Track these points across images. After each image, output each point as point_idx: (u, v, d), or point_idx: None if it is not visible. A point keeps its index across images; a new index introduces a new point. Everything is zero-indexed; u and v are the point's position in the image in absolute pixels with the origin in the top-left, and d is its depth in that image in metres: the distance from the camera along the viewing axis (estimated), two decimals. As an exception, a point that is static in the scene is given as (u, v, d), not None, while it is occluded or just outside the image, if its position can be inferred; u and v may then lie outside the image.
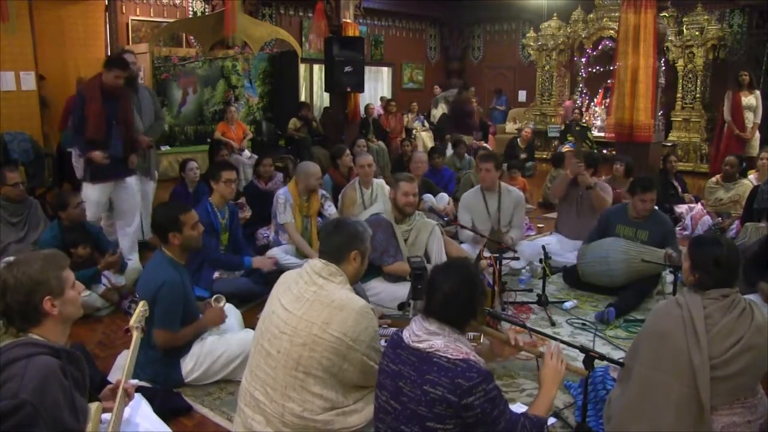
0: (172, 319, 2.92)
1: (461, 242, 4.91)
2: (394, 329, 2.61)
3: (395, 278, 4.10)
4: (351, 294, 2.34)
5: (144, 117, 5.21)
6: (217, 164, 4.88)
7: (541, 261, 4.24)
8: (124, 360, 3.05)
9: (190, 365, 3.02)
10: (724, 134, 8.61)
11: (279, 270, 4.01)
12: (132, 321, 2.21)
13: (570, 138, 10.79)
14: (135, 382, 2.09)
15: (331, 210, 5.04)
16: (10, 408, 1.60)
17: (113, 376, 2.92)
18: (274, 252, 4.71)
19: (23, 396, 1.62)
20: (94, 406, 1.87)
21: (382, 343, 2.32)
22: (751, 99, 8.48)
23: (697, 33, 10.18)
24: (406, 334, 2.04)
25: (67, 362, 1.79)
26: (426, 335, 1.98)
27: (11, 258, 4.27)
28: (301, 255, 4.67)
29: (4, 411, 1.59)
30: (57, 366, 1.73)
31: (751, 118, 8.48)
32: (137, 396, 2.25)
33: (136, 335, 2.17)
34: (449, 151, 8.71)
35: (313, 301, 2.28)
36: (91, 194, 4.76)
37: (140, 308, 2.28)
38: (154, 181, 5.70)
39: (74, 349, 1.89)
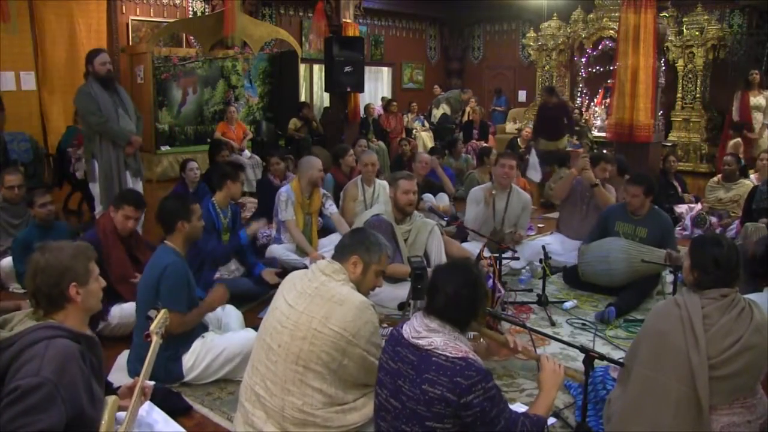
0: (178, 298, 2.93)
1: (464, 240, 4.92)
2: (393, 328, 2.62)
3: (395, 279, 4.09)
4: (352, 290, 2.36)
5: (129, 115, 5.09)
6: (233, 164, 4.90)
7: (541, 261, 4.24)
8: (124, 360, 3.10)
9: (191, 362, 3.02)
10: (731, 135, 8.59)
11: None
12: (152, 327, 2.25)
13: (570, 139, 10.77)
14: (152, 383, 2.10)
15: (332, 209, 5.04)
16: (34, 385, 1.64)
17: (113, 376, 2.92)
18: (275, 249, 4.72)
19: (44, 375, 1.66)
20: (111, 399, 1.88)
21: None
22: (760, 99, 8.42)
23: (697, 33, 10.17)
24: (406, 330, 2.05)
25: (86, 348, 1.82)
26: (426, 332, 1.99)
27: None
28: (302, 252, 4.68)
29: (26, 388, 1.64)
30: (76, 350, 1.77)
31: (759, 119, 8.42)
32: (147, 403, 2.25)
33: (155, 340, 2.20)
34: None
35: (314, 296, 2.31)
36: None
37: (161, 315, 2.31)
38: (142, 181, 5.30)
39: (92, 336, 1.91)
